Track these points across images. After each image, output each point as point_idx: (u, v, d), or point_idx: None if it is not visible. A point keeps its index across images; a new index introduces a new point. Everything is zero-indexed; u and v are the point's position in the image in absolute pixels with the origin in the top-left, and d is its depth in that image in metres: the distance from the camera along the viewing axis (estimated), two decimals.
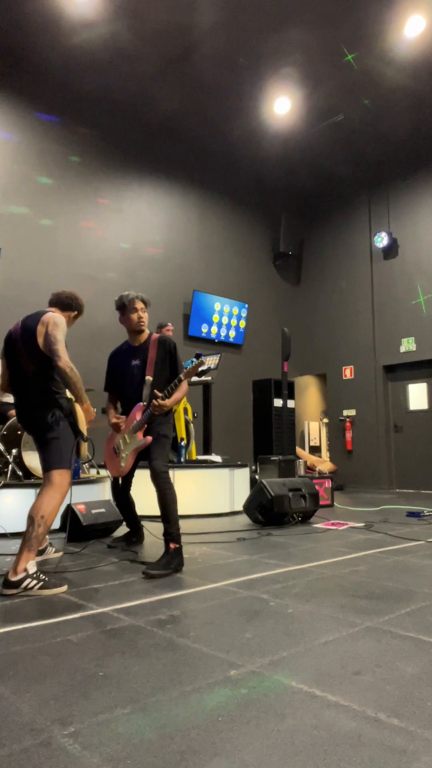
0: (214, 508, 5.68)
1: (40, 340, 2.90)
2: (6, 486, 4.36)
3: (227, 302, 9.55)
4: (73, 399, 2.98)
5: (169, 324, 6.40)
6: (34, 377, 2.94)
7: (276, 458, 6.41)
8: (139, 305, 3.54)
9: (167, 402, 3.35)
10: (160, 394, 3.35)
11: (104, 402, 3.83)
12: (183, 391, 3.44)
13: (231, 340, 9.65)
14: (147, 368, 3.50)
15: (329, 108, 8.49)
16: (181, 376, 3.35)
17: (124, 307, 3.56)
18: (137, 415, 3.47)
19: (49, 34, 6.97)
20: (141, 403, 3.47)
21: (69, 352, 2.91)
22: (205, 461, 6.09)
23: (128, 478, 3.80)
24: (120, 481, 3.81)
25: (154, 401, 3.35)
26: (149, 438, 3.41)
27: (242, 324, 9.79)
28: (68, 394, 3.01)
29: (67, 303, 3.18)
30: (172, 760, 1.20)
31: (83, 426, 3.04)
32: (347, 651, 1.84)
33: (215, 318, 9.37)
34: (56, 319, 2.95)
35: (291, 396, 7.85)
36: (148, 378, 3.48)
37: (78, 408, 3.00)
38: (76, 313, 3.23)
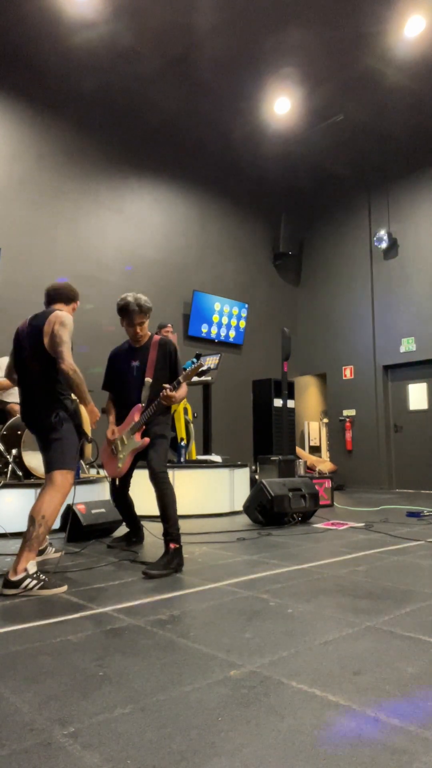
0: (214, 508, 5.68)
1: (46, 340, 2.89)
2: (6, 486, 4.36)
3: (227, 302, 9.54)
4: (78, 400, 2.98)
5: (169, 325, 6.38)
6: (40, 377, 2.94)
7: (276, 458, 6.40)
8: (138, 320, 3.47)
9: (175, 394, 3.31)
10: (168, 386, 3.30)
11: (105, 402, 3.82)
12: (182, 392, 3.44)
13: (231, 340, 9.65)
14: (147, 370, 3.50)
15: (329, 108, 8.49)
16: (180, 378, 3.36)
17: (123, 314, 3.51)
18: (135, 417, 3.47)
19: (49, 34, 6.97)
20: (139, 405, 3.47)
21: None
22: (205, 461, 6.09)
23: (126, 479, 3.80)
24: (117, 482, 3.80)
25: (162, 392, 3.31)
26: (147, 440, 3.41)
27: (242, 324, 9.79)
28: (72, 395, 3.01)
29: (68, 296, 3.15)
30: (172, 760, 1.20)
31: (87, 427, 3.04)
32: (347, 651, 1.84)
33: (215, 318, 9.37)
34: (64, 318, 2.93)
35: (291, 396, 7.85)
36: (148, 380, 3.48)
37: (82, 409, 2.99)
38: (78, 303, 3.22)
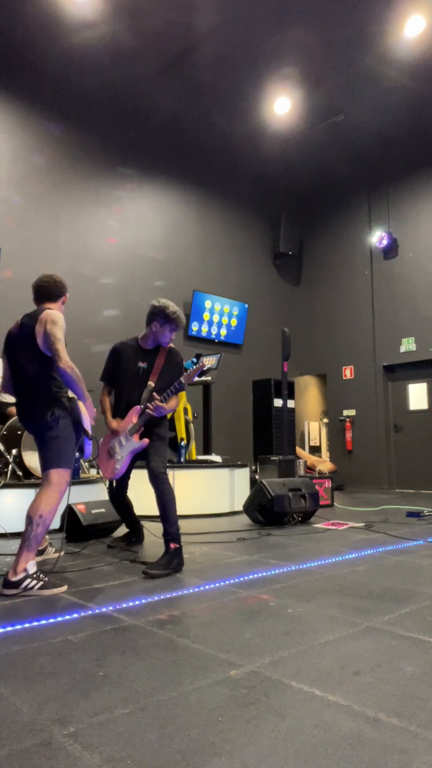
0: (214, 508, 5.68)
1: (39, 340, 2.89)
2: (6, 486, 4.36)
3: (227, 302, 9.54)
4: (76, 397, 2.98)
5: None
6: (35, 376, 2.94)
7: (276, 458, 6.40)
8: (174, 336, 3.58)
9: (165, 405, 3.36)
10: (158, 397, 3.37)
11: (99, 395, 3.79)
12: (173, 403, 3.48)
13: (231, 340, 9.65)
14: (152, 374, 3.51)
15: (329, 108, 8.49)
16: (182, 379, 3.36)
17: (165, 321, 3.50)
18: (134, 418, 3.47)
19: (49, 34, 6.96)
20: (138, 407, 3.47)
21: (68, 351, 2.90)
22: (205, 461, 6.09)
23: (124, 481, 3.79)
24: (115, 484, 3.80)
25: (150, 403, 3.36)
26: (146, 441, 3.41)
27: (242, 324, 9.79)
28: (69, 393, 3.00)
29: (54, 292, 3.12)
30: (172, 760, 1.20)
31: (87, 424, 3.03)
32: (347, 651, 1.84)
33: (215, 318, 9.37)
34: (54, 316, 2.92)
35: (291, 396, 7.84)
36: (150, 384, 3.49)
37: (82, 407, 2.99)
38: (66, 296, 3.21)
